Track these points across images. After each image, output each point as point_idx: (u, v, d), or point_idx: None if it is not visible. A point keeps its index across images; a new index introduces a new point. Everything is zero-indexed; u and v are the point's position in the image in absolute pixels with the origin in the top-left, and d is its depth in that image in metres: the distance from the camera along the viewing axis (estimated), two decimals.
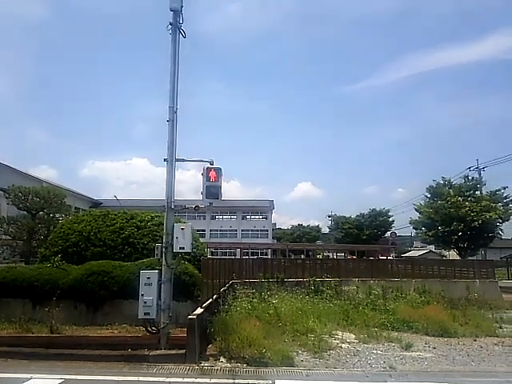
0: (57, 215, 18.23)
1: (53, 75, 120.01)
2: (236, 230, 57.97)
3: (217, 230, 57.15)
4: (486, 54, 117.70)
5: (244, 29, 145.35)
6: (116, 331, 8.11)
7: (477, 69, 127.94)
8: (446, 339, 9.42)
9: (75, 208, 37.89)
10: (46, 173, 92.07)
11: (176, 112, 7.82)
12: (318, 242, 68.30)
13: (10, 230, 17.22)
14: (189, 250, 7.72)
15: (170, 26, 7.92)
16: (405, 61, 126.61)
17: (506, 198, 30.05)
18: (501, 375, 6.65)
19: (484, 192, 31.21)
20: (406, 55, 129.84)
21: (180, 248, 7.46)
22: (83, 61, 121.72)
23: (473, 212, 27.95)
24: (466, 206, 28.44)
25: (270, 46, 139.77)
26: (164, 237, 7.64)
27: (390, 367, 6.87)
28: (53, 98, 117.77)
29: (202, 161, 7.96)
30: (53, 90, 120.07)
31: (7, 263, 15.62)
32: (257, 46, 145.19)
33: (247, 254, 41.90)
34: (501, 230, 30.44)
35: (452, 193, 30.28)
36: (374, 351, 8.04)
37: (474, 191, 31.27)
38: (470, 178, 32.78)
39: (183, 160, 7.95)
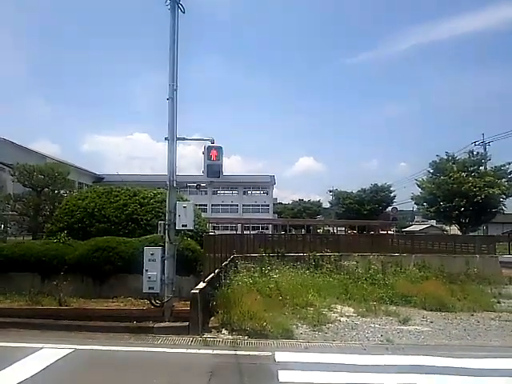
0: (61, 191, 18.46)
1: (53, 48, 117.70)
2: (237, 205, 58.45)
3: (218, 205, 57.63)
4: (492, 24, 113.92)
5: None
6: (122, 304, 8.38)
7: (482, 39, 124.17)
8: (443, 314, 9.54)
9: (79, 183, 38.26)
10: (47, 147, 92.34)
11: (176, 90, 7.74)
12: (319, 217, 68.80)
13: (17, 206, 17.55)
14: (191, 228, 7.86)
15: (168, 1, 7.70)
16: (407, 32, 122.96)
17: (510, 173, 29.86)
18: (495, 349, 6.79)
19: (488, 167, 31.02)
20: (408, 26, 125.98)
21: (182, 225, 7.59)
22: (84, 33, 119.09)
23: (475, 188, 27.87)
24: (469, 182, 28.33)
25: (271, 19, 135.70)
26: (167, 215, 7.76)
27: (387, 340, 7.06)
28: (53, 71, 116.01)
29: (202, 139, 7.96)
30: (53, 63, 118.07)
31: (15, 238, 16.00)
32: (258, 17, 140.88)
33: (248, 228, 42.38)
34: (504, 205, 30.47)
35: (455, 168, 30.11)
36: (372, 325, 8.25)
37: (479, 166, 31.06)
38: (474, 153, 32.52)
39: (184, 139, 7.95)
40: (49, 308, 7.84)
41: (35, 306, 7.95)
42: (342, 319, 8.63)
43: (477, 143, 34.73)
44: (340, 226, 50.27)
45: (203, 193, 55.57)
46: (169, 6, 7.73)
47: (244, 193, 60.16)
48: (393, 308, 9.78)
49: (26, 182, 17.51)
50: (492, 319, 9.15)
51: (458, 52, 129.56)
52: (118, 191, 11.77)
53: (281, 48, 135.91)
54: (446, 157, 32.06)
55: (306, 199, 77.29)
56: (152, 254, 7.58)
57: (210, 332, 7.23)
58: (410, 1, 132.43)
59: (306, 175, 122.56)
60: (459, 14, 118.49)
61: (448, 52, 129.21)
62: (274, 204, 64.11)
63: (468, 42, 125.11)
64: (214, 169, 7.82)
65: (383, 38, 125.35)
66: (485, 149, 34.20)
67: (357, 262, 14.89)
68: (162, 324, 7.25)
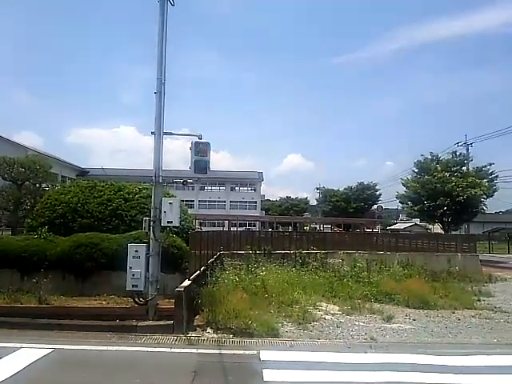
0: (43, 185, 18.03)
1: (38, 35, 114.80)
2: (225, 201, 58.23)
3: (205, 201, 57.27)
4: (483, 27, 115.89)
5: None
6: (104, 302, 8.23)
7: (468, 42, 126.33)
8: (425, 311, 9.67)
9: (62, 176, 37.48)
10: (29, 139, 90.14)
11: (164, 84, 7.59)
12: (306, 214, 69.17)
13: None
14: (177, 224, 7.73)
15: None
16: (399, 32, 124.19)
17: (491, 174, 30.53)
18: (476, 347, 6.91)
19: (471, 168, 31.63)
20: (400, 27, 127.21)
21: (168, 222, 7.46)
22: (71, 22, 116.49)
23: (458, 187, 28.38)
24: (452, 182, 28.85)
25: (262, 16, 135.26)
26: (152, 211, 7.62)
27: (371, 338, 7.12)
28: (38, 59, 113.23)
29: (190, 135, 7.82)
30: (38, 51, 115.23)
31: None
32: (248, 14, 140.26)
33: (235, 225, 42.22)
34: (485, 205, 31.16)
35: (439, 168, 30.61)
36: (357, 323, 8.30)
37: (461, 167, 31.66)
38: (457, 153, 33.13)
39: (171, 133, 7.81)
40: (28, 306, 7.63)
41: (14, 304, 7.74)
42: (327, 317, 8.66)
43: (460, 144, 35.38)
44: (326, 224, 50.59)
45: (190, 188, 55.10)
46: None
47: (231, 189, 59.99)
48: (377, 306, 9.87)
49: (6, 175, 17.08)
50: (472, 317, 9.32)
51: (447, 53, 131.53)
52: (103, 186, 11.57)
53: (273, 45, 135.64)
54: (430, 157, 32.57)
55: (293, 196, 77.65)
56: (136, 251, 7.44)
57: (195, 331, 7.15)
58: (408, 1, 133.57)
59: (294, 172, 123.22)
60: (448, 16, 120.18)
61: (436, 53, 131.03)
62: (261, 201, 64.09)
63: (456, 43, 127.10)
64: (201, 165, 7.70)
65: (375, 38, 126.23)
66: (467, 149, 34.88)
67: (342, 260, 14.99)
68: (146, 322, 7.13)
